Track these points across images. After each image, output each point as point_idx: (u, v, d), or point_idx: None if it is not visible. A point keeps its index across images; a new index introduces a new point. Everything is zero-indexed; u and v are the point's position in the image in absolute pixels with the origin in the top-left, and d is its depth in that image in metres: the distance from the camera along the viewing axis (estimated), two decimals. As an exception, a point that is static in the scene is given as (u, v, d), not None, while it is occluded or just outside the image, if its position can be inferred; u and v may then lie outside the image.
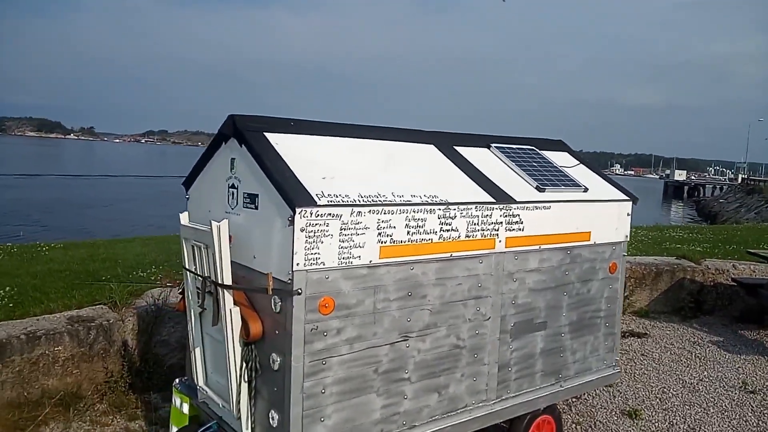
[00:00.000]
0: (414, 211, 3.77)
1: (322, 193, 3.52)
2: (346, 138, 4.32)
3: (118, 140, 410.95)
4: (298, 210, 3.35)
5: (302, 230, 3.37)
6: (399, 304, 3.78)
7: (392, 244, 3.77)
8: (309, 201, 3.43)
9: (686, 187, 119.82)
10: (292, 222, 3.34)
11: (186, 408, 4.61)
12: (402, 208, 3.74)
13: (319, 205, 3.45)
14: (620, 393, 7.13)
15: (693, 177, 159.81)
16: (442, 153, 4.64)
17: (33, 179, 62.21)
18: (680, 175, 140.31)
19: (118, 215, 35.00)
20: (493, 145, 5.13)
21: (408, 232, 3.81)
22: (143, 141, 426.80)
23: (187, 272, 4.34)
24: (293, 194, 3.39)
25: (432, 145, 4.77)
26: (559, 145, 6.02)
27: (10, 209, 34.21)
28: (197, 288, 4.13)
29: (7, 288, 7.29)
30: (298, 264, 3.37)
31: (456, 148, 4.79)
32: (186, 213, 4.48)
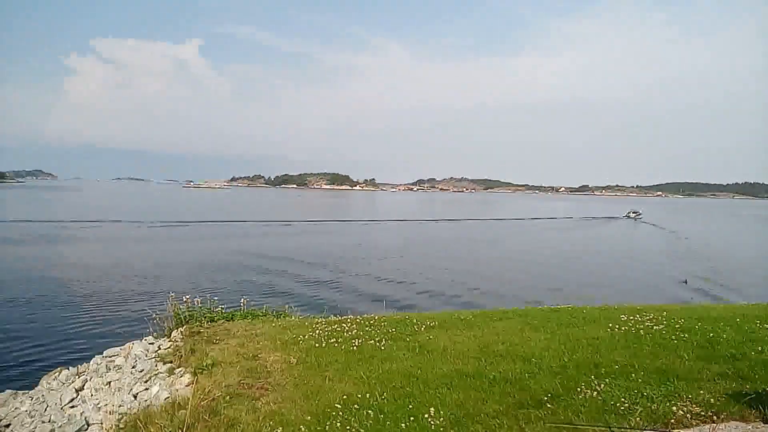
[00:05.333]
0: None
1: None
2: None
3: (394, 189, 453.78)
4: None
5: None
6: None
7: None
8: None
9: None
10: None
11: None
12: None
13: None
14: None
15: None
16: None
17: (325, 225, 70.28)
18: None
19: (413, 262, 35.18)
20: None
21: None
22: (415, 189, 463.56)
23: None
24: None
25: None
26: None
27: (327, 258, 37.36)
28: None
29: (431, 410, 5.34)
30: None
31: None
32: None
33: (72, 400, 8.43)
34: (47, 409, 8.64)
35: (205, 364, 6.85)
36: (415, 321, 9.46)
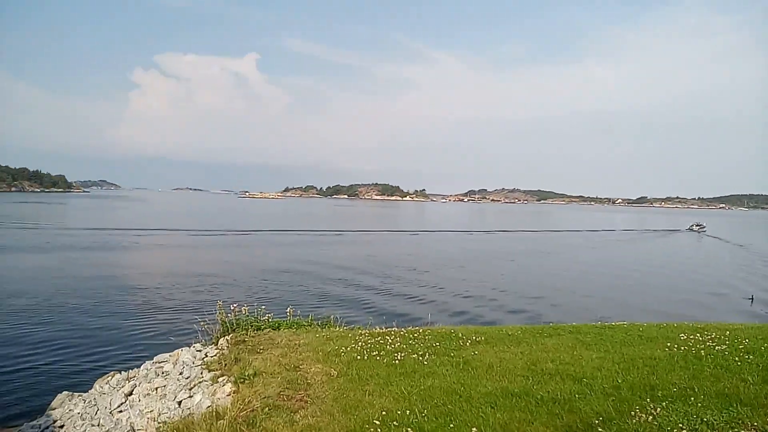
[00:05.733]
0: None
1: None
2: None
3: (444, 200, 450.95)
4: None
5: None
6: None
7: None
8: None
9: None
10: None
11: None
12: None
13: None
14: None
15: None
16: None
17: (375, 234, 70.46)
18: None
19: (473, 274, 34.53)
20: None
21: None
22: (465, 200, 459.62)
23: None
24: None
25: None
26: None
27: (370, 267, 37.28)
28: None
29: (473, 430, 5.07)
30: None
31: None
32: None
33: (121, 404, 8.66)
34: (98, 412, 8.91)
35: (246, 374, 6.87)
36: (460, 335, 9.22)
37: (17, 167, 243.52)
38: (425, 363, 7.45)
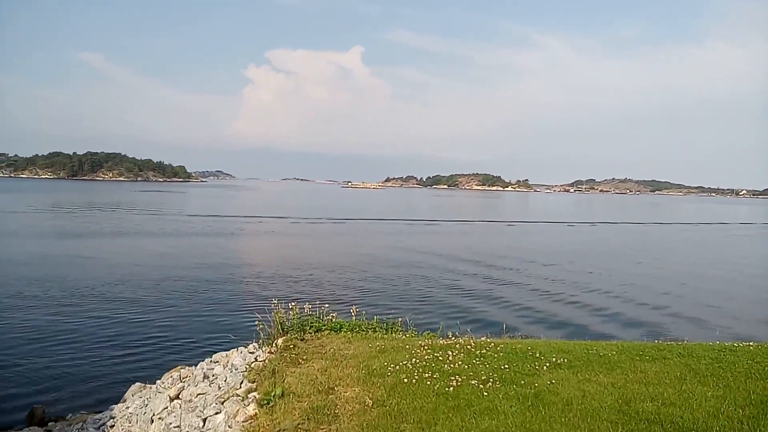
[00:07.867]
0: None
1: None
2: None
3: (548, 191, 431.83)
4: None
5: None
6: None
7: None
8: None
9: None
10: None
11: None
12: None
13: None
14: None
15: None
16: None
17: (472, 225, 68.18)
18: None
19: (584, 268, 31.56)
20: None
21: None
22: (572, 190, 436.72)
23: None
24: None
25: None
26: None
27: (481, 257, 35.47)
28: None
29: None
30: None
31: None
32: None
33: (164, 409, 8.17)
34: (145, 414, 8.51)
35: (273, 394, 5.95)
36: (538, 354, 7.68)
37: (142, 158, 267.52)
38: (485, 394, 6.07)
